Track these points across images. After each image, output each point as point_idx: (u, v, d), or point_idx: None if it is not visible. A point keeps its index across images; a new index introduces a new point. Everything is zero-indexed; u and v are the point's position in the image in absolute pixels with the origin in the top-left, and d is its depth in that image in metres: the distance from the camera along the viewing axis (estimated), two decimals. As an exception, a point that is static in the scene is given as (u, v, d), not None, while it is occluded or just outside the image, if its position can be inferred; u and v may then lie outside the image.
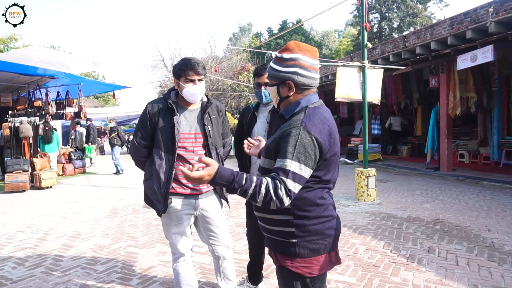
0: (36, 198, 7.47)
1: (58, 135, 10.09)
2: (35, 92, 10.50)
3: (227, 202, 2.50)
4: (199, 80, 2.21)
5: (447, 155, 9.05)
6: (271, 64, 1.52)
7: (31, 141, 9.11)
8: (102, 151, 21.02)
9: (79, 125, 13.41)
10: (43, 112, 10.45)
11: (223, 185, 1.31)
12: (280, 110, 1.55)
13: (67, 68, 8.90)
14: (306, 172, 1.36)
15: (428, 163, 9.73)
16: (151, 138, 2.27)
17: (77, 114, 11.22)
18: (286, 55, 1.46)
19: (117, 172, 11.08)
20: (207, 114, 2.32)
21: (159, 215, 2.28)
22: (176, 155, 2.21)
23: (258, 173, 1.56)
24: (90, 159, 13.91)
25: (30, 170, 8.65)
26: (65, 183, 9.59)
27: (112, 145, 11.31)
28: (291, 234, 1.43)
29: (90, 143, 13.26)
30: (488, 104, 9.81)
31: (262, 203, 1.32)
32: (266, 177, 1.35)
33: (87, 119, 12.62)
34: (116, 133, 11.25)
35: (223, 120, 2.46)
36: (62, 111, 11.12)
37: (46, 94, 10.79)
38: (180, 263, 2.36)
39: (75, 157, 11.62)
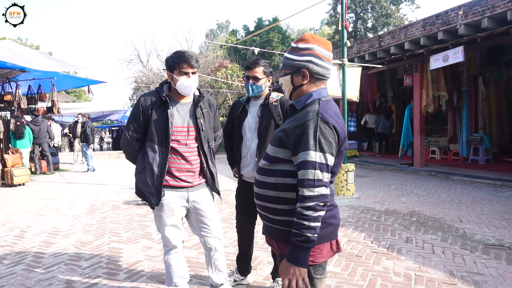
0: (9, 195, 7.20)
1: (30, 130, 9.70)
2: (5, 85, 10.04)
3: (219, 194, 2.54)
4: (192, 73, 2.23)
5: (420, 151, 9.43)
6: (286, 54, 1.55)
7: (1, 136, 8.73)
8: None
9: (52, 120, 12.80)
10: (13, 107, 10.02)
11: (301, 255, 1.37)
12: (292, 101, 1.58)
13: (39, 66, 8.60)
14: (330, 160, 1.40)
15: (400, 158, 10.09)
16: (143, 131, 2.26)
17: (49, 109, 10.83)
18: (301, 45, 1.51)
19: (88, 170, 10.79)
20: (199, 107, 2.34)
21: (152, 207, 2.29)
22: (169, 148, 2.23)
23: (264, 161, 1.57)
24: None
25: (1, 167, 8.30)
26: (38, 180, 9.26)
27: (83, 142, 10.97)
28: None
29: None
30: (458, 102, 10.29)
31: (321, 211, 1.37)
32: (297, 204, 1.39)
33: (83, 115, 11.83)
34: (88, 129, 10.89)
35: (214, 113, 2.49)
36: (34, 106, 10.70)
37: (17, 88, 10.35)
38: (171, 255, 2.38)
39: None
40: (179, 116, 2.28)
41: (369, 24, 32.44)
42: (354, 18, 32.67)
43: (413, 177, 8.25)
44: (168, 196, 2.26)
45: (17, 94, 10.15)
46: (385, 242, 3.86)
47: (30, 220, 5.12)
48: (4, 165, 8.39)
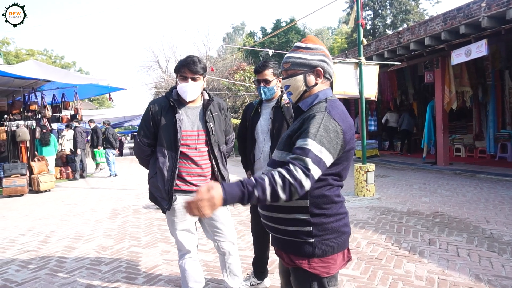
0: (35, 201, 7.45)
1: (55, 137, 10.04)
2: (30, 95, 10.44)
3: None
4: (192, 78, 2.21)
5: (443, 149, 9.14)
6: (293, 54, 1.48)
7: (28, 144, 9.06)
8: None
9: (68, 128, 12.70)
10: (40, 116, 10.40)
11: (235, 192, 1.20)
12: (298, 103, 1.50)
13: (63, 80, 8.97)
14: (326, 157, 1.28)
15: (425, 157, 9.80)
16: (154, 137, 2.28)
17: (73, 117, 11.18)
18: (311, 45, 1.48)
19: (110, 175, 11.06)
20: (208, 111, 2.33)
21: (164, 212, 2.30)
22: (179, 153, 2.23)
23: (269, 167, 1.47)
24: (98, 164, 12.86)
25: (28, 174, 8.61)
26: (63, 186, 9.56)
27: (105, 148, 11.26)
28: (308, 234, 1.38)
29: (99, 147, 11.94)
30: (483, 98, 9.91)
31: (284, 193, 1.21)
32: (278, 168, 1.27)
33: (90, 121, 12.06)
34: (109, 135, 11.17)
35: (225, 117, 2.48)
36: (58, 114, 11.07)
37: (42, 98, 10.75)
38: (186, 260, 2.38)
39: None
40: (189, 120, 2.28)
41: (388, 21, 31.76)
42: (372, 15, 32.11)
43: (437, 176, 8.00)
44: (180, 201, 2.26)
45: (42, 104, 10.55)
46: (406, 244, 3.74)
47: (55, 225, 5.27)
48: (31, 172, 8.70)
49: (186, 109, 2.30)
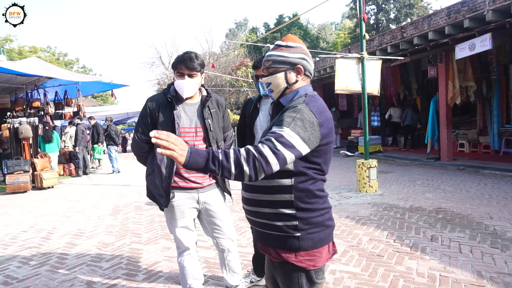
0: (38, 198, 7.48)
1: (57, 134, 10.07)
2: (33, 92, 10.46)
3: (230, 195, 2.50)
4: (188, 75, 2.19)
5: (447, 145, 9.07)
6: (274, 52, 1.52)
7: (31, 141, 9.09)
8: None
9: (71, 125, 12.83)
10: (42, 113, 10.44)
11: (199, 158, 1.21)
12: (279, 99, 1.54)
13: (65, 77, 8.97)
14: (299, 145, 1.30)
15: (429, 153, 9.74)
16: None
17: (76, 114, 11.20)
18: (291, 44, 1.52)
19: (113, 172, 11.08)
20: (206, 107, 2.31)
21: (162, 209, 2.29)
22: None
23: None
24: (99, 160, 12.88)
25: (31, 171, 8.65)
26: (66, 182, 9.60)
27: (108, 145, 11.29)
28: (294, 228, 1.42)
29: (100, 143, 11.94)
30: (488, 92, 9.81)
31: (248, 165, 1.23)
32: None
33: (89, 118, 12.01)
34: (112, 132, 11.18)
35: (223, 113, 2.45)
36: (61, 111, 11.10)
37: (45, 95, 10.77)
38: (185, 257, 2.37)
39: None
40: (186, 117, 2.25)
41: (392, 16, 31.50)
42: (375, 10, 31.84)
43: (440, 172, 7.94)
44: (178, 198, 2.25)
45: (45, 101, 10.58)
46: (408, 240, 3.71)
47: (57, 222, 5.29)
48: (34, 169, 8.74)
49: (184, 105, 2.27)
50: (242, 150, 1.26)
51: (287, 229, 1.42)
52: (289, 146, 1.28)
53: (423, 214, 4.65)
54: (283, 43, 1.53)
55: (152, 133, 1.19)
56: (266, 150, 1.25)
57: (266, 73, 1.54)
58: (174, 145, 1.20)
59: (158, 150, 1.19)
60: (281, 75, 1.50)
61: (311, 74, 1.56)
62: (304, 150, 1.33)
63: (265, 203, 1.46)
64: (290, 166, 1.39)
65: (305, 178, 1.42)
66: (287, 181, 1.41)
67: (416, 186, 6.56)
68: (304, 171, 1.41)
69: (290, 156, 1.29)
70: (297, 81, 1.51)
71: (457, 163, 8.55)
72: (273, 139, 1.28)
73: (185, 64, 2.16)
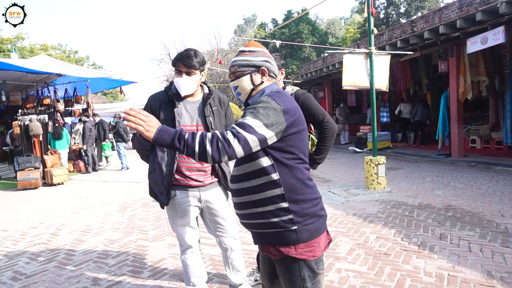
0: (48, 194, 7.58)
1: (67, 131, 10.17)
2: (44, 90, 10.60)
3: (233, 193, 2.48)
4: (186, 72, 2.16)
5: (458, 140, 8.90)
6: (239, 57, 1.62)
7: (41, 138, 9.21)
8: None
9: (81, 122, 12.93)
10: (53, 110, 10.56)
11: (167, 136, 1.33)
12: (247, 100, 1.62)
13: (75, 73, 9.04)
14: (262, 130, 1.38)
15: (440, 149, 9.58)
16: None
17: (85, 111, 11.31)
18: (254, 48, 1.63)
19: (122, 168, 11.16)
20: (208, 105, 2.28)
21: (162, 207, 2.29)
22: None
23: (236, 167, 1.57)
24: (106, 157, 12.81)
25: (41, 167, 8.76)
26: (76, 179, 9.71)
27: (117, 141, 11.36)
28: (290, 221, 1.46)
29: (107, 140, 12.05)
30: (500, 87, 9.58)
31: (211, 146, 1.33)
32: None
33: (94, 115, 11.91)
34: (120, 129, 11.25)
35: (225, 111, 2.42)
36: (70, 108, 11.22)
37: (55, 92, 10.90)
38: (188, 255, 2.37)
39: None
40: (188, 115, 2.23)
41: (402, 10, 30.95)
42: (385, 4, 31.33)
43: (451, 169, 7.80)
44: (180, 196, 2.24)
45: (55, 98, 10.70)
46: (416, 239, 3.65)
47: (66, 218, 5.35)
48: (45, 166, 8.86)
49: (185, 103, 2.25)
50: (209, 134, 1.36)
51: (283, 224, 1.46)
52: (250, 129, 1.37)
53: (432, 212, 4.57)
54: (246, 49, 1.63)
55: (125, 109, 1.32)
56: (228, 134, 1.36)
57: (232, 78, 1.63)
58: (142, 121, 1.31)
59: (125, 122, 1.32)
60: (246, 78, 1.59)
61: (275, 75, 1.64)
62: (268, 133, 1.40)
63: (257, 203, 1.49)
64: (268, 159, 1.44)
65: (288, 169, 1.46)
66: (273, 176, 1.45)
67: (426, 183, 6.46)
68: (285, 162, 1.46)
69: (251, 138, 1.37)
70: (262, 82, 1.60)
71: (468, 160, 8.40)
72: (235, 126, 1.40)
73: (182, 62, 2.14)
